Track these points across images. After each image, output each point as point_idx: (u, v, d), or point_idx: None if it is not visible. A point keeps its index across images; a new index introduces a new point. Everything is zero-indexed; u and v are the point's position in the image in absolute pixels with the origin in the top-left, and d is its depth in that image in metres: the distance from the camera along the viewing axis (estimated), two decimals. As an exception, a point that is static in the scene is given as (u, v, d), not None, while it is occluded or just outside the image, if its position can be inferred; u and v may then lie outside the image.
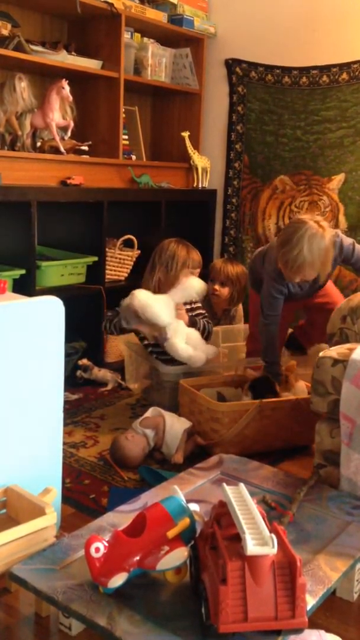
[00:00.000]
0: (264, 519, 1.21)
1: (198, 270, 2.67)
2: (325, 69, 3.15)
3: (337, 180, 3.19)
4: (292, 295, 2.47)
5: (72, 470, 2.09)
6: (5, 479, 1.57)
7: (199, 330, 2.55)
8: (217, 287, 3.00)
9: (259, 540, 1.15)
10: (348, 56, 3.08)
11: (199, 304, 2.75)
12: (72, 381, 2.82)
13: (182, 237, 2.74)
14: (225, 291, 2.99)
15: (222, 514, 1.28)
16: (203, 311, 2.74)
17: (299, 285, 2.42)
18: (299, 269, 2.19)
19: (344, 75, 3.11)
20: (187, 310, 2.63)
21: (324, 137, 3.20)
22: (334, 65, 3.12)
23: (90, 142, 3.07)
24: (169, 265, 2.60)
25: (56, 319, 1.61)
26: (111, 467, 2.12)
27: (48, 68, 2.83)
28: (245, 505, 1.24)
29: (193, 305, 2.71)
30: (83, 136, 3.09)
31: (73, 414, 2.57)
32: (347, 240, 2.39)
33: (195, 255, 2.63)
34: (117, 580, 1.26)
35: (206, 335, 2.60)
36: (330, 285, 2.64)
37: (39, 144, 2.89)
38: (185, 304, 2.65)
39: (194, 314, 2.70)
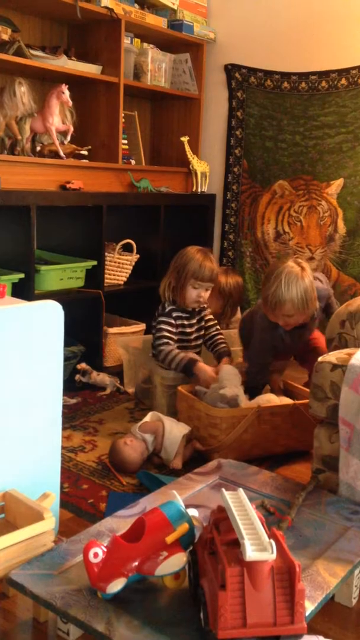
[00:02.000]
0: (263, 524, 1.21)
1: (208, 284, 2.56)
2: (324, 74, 3.17)
3: (336, 185, 3.20)
4: (284, 347, 2.49)
5: (70, 474, 2.08)
6: (3, 484, 1.57)
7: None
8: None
9: (258, 546, 1.14)
10: (347, 62, 3.09)
11: (209, 313, 2.74)
12: (70, 385, 2.82)
13: (180, 242, 2.75)
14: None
15: (221, 519, 1.27)
16: (214, 321, 2.74)
17: (290, 336, 2.43)
18: (277, 305, 2.24)
19: (343, 81, 3.12)
20: (199, 320, 2.66)
21: (323, 143, 3.20)
22: (333, 71, 3.14)
23: (89, 147, 3.07)
24: (180, 272, 2.54)
25: (55, 323, 1.61)
26: (110, 471, 2.12)
27: (48, 73, 2.84)
28: (244, 511, 1.24)
29: (204, 314, 2.71)
30: (83, 141, 3.09)
31: (71, 418, 2.57)
32: (323, 289, 2.47)
33: (209, 268, 2.52)
34: (116, 585, 1.25)
35: None
36: (317, 333, 2.62)
37: (38, 148, 2.90)
38: (196, 312, 2.66)
39: (207, 325, 2.71)
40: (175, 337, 2.59)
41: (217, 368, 2.44)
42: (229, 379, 2.29)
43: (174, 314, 2.60)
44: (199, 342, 2.71)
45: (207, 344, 2.71)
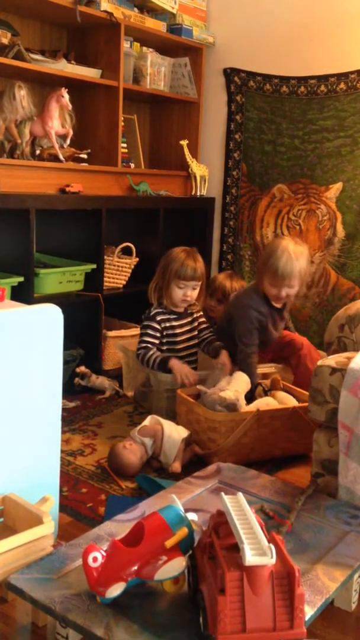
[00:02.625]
0: (262, 528, 1.21)
1: (194, 283, 2.58)
2: (323, 78, 3.17)
3: (335, 189, 3.21)
4: (267, 330, 2.59)
5: (69, 478, 2.08)
6: (2, 487, 1.56)
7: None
8: (213, 303, 3.00)
9: (257, 551, 1.14)
10: (346, 66, 3.10)
11: (202, 315, 2.75)
12: (69, 389, 2.81)
13: (180, 245, 2.74)
14: (221, 308, 2.94)
15: (220, 523, 1.27)
16: (206, 324, 2.74)
17: (272, 315, 2.58)
18: (287, 275, 2.43)
19: (342, 85, 3.13)
20: (190, 322, 2.66)
21: (322, 146, 3.21)
22: (332, 75, 3.14)
23: (89, 150, 3.08)
24: (165, 272, 2.58)
25: (55, 326, 1.61)
26: (109, 475, 2.12)
27: (47, 76, 2.85)
28: (243, 515, 1.24)
29: (196, 316, 2.71)
30: (82, 144, 3.10)
31: (70, 421, 2.57)
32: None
33: (191, 266, 2.54)
34: (115, 590, 1.25)
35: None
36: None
37: (38, 151, 2.90)
38: (187, 313, 2.66)
39: (200, 327, 2.71)
40: (157, 341, 2.61)
41: (217, 361, 2.51)
42: (239, 385, 2.31)
43: (159, 317, 2.62)
44: (191, 343, 2.70)
45: (201, 345, 2.72)
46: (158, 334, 2.61)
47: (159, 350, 2.60)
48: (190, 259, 2.57)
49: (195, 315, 2.72)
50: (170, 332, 2.65)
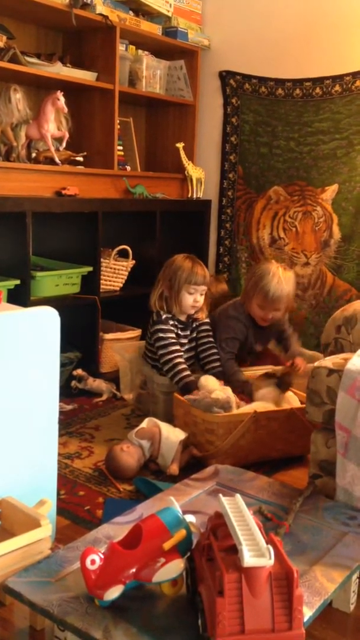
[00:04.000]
0: (260, 530, 1.21)
1: (202, 288, 2.57)
2: (318, 81, 3.18)
3: (331, 190, 3.21)
4: (247, 347, 2.68)
5: (66, 481, 2.08)
6: None
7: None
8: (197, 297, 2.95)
9: (255, 552, 1.14)
10: (341, 68, 3.11)
11: (208, 323, 2.70)
12: (66, 391, 2.81)
13: (176, 248, 2.75)
14: (202, 300, 2.75)
15: (218, 525, 1.27)
16: (209, 334, 2.68)
17: (254, 335, 2.67)
18: (276, 298, 2.52)
19: (337, 88, 3.14)
20: (191, 332, 2.65)
21: (318, 149, 3.22)
22: (327, 78, 3.15)
23: (85, 153, 3.08)
24: (173, 280, 2.54)
25: (52, 329, 1.61)
26: (106, 478, 2.11)
27: (43, 79, 2.85)
28: (241, 517, 1.24)
29: (201, 323, 2.68)
30: (78, 147, 3.10)
31: (68, 424, 2.56)
32: None
33: (200, 271, 2.56)
34: (113, 592, 1.25)
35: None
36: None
37: (34, 154, 2.90)
38: (189, 323, 2.65)
39: (200, 335, 2.67)
40: (179, 346, 2.55)
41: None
42: (212, 384, 2.32)
43: (170, 322, 2.58)
44: (192, 354, 2.66)
45: (201, 357, 2.64)
46: (175, 335, 2.56)
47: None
48: (197, 264, 2.58)
49: (195, 325, 2.66)
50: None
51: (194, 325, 2.67)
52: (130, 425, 2.54)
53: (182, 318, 2.63)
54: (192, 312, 2.61)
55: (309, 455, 1.92)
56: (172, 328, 2.57)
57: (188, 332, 2.65)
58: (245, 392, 2.43)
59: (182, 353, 2.54)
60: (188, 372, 2.46)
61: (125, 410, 2.76)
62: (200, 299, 2.59)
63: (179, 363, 2.48)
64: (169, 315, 2.58)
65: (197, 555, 1.29)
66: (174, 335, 2.56)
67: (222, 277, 3.36)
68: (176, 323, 2.60)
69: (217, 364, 2.58)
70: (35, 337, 1.57)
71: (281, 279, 2.52)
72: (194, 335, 2.67)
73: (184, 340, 2.63)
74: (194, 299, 2.56)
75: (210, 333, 2.67)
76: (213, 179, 3.61)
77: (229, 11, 3.45)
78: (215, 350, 2.62)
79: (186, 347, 2.63)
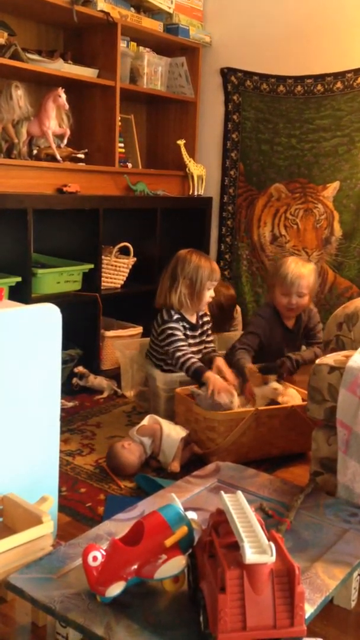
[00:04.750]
0: (262, 527, 1.21)
1: (216, 284, 2.63)
2: (319, 78, 3.18)
3: (332, 188, 3.21)
4: (271, 344, 2.67)
5: (68, 478, 2.08)
6: (1, 488, 1.56)
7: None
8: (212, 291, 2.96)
9: (257, 549, 1.14)
10: (342, 65, 3.10)
11: (210, 322, 2.73)
12: (67, 389, 2.81)
13: (177, 245, 2.75)
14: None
15: (220, 522, 1.27)
16: (211, 336, 2.72)
17: (282, 334, 2.69)
18: (295, 280, 2.57)
19: (339, 84, 3.13)
20: (200, 334, 2.66)
21: (319, 146, 3.21)
22: (329, 75, 3.15)
23: (86, 150, 3.07)
24: (194, 279, 2.53)
25: (53, 326, 1.61)
26: (107, 475, 2.12)
27: (44, 76, 2.84)
28: (243, 514, 1.24)
29: (205, 324, 2.70)
30: (79, 144, 3.09)
31: (69, 421, 2.56)
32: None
33: (216, 266, 2.60)
34: (115, 589, 1.25)
35: None
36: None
37: (35, 151, 2.90)
38: (198, 325, 2.66)
39: (205, 335, 2.69)
40: (187, 344, 2.55)
41: (214, 366, 2.47)
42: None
43: (181, 323, 2.58)
44: (199, 356, 2.63)
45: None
46: (183, 336, 2.56)
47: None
48: (209, 260, 2.62)
49: (204, 327, 2.69)
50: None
51: (206, 326, 2.71)
52: (131, 423, 2.54)
53: (192, 320, 2.63)
54: (205, 308, 2.69)
55: (310, 452, 1.92)
56: (181, 328, 2.57)
57: (197, 334, 2.65)
58: (242, 379, 2.45)
59: (192, 349, 2.55)
60: (193, 358, 2.46)
61: (127, 408, 2.77)
62: (212, 293, 2.65)
63: (191, 357, 2.47)
64: (179, 315, 2.58)
65: (198, 552, 1.29)
66: (181, 333, 2.55)
67: (230, 284, 3.37)
68: (185, 324, 2.60)
69: (215, 352, 2.66)
70: (37, 335, 1.57)
71: (299, 264, 2.63)
72: (204, 337, 2.69)
73: (192, 341, 2.62)
74: (210, 295, 2.61)
75: (212, 337, 2.74)
76: (214, 176, 3.60)
77: (230, 8, 3.44)
78: (214, 345, 2.71)
79: (193, 348, 2.62)
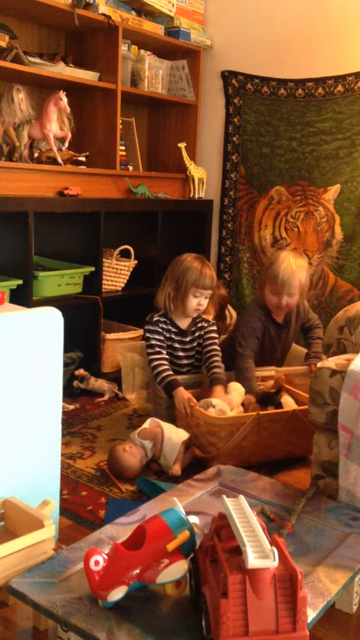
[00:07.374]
0: (264, 531, 1.21)
1: (208, 292, 2.52)
2: (320, 81, 3.18)
3: (333, 191, 3.21)
4: (268, 342, 2.65)
5: (69, 481, 2.08)
6: (2, 491, 1.56)
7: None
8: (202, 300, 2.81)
9: (260, 553, 1.14)
10: (343, 69, 3.11)
11: (213, 324, 2.65)
12: (68, 392, 2.81)
13: (178, 248, 2.75)
14: (206, 303, 2.69)
15: (222, 526, 1.27)
16: (213, 338, 2.62)
17: (275, 329, 2.66)
18: (286, 281, 2.52)
19: (339, 88, 3.13)
20: (190, 341, 2.62)
21: (320, 149, 3.22)
22: (330, 78, 3.15)
23: (87, 153, 3.08)
24: (180, 281, 2.48)
25: (55, 329, 1.61)
26: (109, 478, 2.11)
27: (46, 79, 2.85)
28: (245, 518, 1.24)
29: (206, 327, 2.63)
30: (80, 147, 3.10)
31: (70, 424, 2.56)
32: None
33: (208, 275, 2.48)
34: (117, 593, 1.25)
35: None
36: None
37: (36, 154, 2.90)
38: (189, 332, 2.59)
39: (206, 336, 2.62)
40: (164, 345, 2.52)
41: (212, 392, 2.39)
42: (233, 397, 2.34)
43: (161, 325, 2.52)
44: (191, 361, 2.61)
45: (205, 363, 2.56)
46: (162, 338, 2.52)
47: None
48: (206, 267, 2.50)
49: (198, 334, 2.61)
50: (169, 343, 2.56)
51: (199, 333, 2.61)
52: (132, 426, 2.54)
53: (182, 325, 2.57)
54: (194, 315, 2.57)
55: (312, 456, 1.92)
56: (160, 330, 2.51)
57: (186, 340, 2.59)
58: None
59: (165, 355, 2.49)
60: (170, 372, 2.42)
61: (127, 410, 2.76)
62: (205, 302, 2.53)
63: (162, 364, 2.44)
64: (162, 319, 2.53)
65: (200, 556, 1.29)
66: (161, 337, 2.51)
67: (222, 283, 3.34)
68: (171, 328, 2.55)
69: (219, 370, 2.50)
70: (38, 338, 1.57)
71: (290, 263, 2.54)
72: (195, 344, 2.61)
73: (178, 346, 2.58)
74: (197, 302, 2.50)
75: (216, 340, 2.62)
76: (215, 179, 3.61)
77: (231, 11, 3.45)
78: (218, 358, 2.55)
79: (181, 354, 2.59)
